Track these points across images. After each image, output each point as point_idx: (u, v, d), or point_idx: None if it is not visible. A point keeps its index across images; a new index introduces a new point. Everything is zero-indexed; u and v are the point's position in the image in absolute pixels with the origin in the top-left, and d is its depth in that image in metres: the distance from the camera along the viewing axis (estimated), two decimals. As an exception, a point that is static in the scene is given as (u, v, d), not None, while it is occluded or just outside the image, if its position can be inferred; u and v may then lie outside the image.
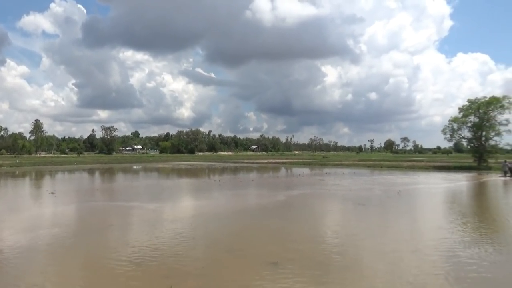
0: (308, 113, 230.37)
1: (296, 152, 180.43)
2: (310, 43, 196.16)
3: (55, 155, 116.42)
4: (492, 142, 46.69)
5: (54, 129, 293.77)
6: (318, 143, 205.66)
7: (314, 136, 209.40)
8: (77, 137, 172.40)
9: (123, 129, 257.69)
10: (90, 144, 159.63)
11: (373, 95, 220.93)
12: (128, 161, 74.86)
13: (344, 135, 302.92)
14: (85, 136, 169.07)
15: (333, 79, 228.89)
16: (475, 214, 16.04)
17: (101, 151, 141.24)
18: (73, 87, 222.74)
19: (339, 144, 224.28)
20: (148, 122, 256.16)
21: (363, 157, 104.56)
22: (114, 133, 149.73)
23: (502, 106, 44.62)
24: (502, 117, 45.16)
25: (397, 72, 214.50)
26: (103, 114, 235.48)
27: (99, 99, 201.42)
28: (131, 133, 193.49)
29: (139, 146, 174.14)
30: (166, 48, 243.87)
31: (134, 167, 58.15)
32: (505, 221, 14.42)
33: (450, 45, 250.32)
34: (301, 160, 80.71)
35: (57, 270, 8.30)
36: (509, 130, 45.27)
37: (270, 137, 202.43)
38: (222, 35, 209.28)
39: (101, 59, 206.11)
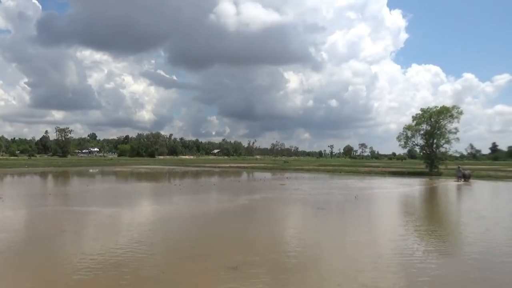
0: (270, 118, 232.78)
1: (258, 156, 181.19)
2: (273, 49, 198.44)
3: (4, 157, 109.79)
4: (442, 149, 49.34)
5: (3, 129, 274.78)
6: (279, 148, 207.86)
7: (276, 141, 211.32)
8: (28, 139, 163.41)
9: (79, 131, 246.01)
10: (43, 146, 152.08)
11: (333, 102, 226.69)
12: (84, 164, 71.99)
13: (305, 141, 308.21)
14: (37, 138, 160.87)
15: (295, 85, 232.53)
16: (427, 217, 16.86)
17: (55, 154, 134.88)
18: (26, 86, 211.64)
19: (300, 149, 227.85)
20: (107, 124, 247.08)
21: (323, 162, 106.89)
22: (70, 135, 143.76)
23: (451, 116, 47.29)
24: (451, 125, 47.87)
25: (356, 80, 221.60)
26: (58, 115, 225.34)
27: (54, 99, 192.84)
28: (88, 135, 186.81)
29: (96, 149, 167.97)
30: (127, 49, 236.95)
31: (91, 170, 56.01)
32: (454, 223, 15.26)
33: (405, 57, 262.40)
34: (263, 164, 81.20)
35: (3, 279, 7.81)
36: (457, 138, 48.12)
37: (232, 141, 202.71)
38: (185, 37, 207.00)
39: (56, 57, 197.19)
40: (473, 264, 9.01)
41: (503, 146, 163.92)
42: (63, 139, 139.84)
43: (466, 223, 14.98)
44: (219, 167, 69.48)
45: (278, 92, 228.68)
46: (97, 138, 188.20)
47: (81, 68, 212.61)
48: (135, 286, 7.30)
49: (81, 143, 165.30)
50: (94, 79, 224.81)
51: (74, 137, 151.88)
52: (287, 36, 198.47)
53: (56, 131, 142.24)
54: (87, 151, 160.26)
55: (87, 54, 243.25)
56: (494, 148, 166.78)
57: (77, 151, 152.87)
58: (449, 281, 7.83)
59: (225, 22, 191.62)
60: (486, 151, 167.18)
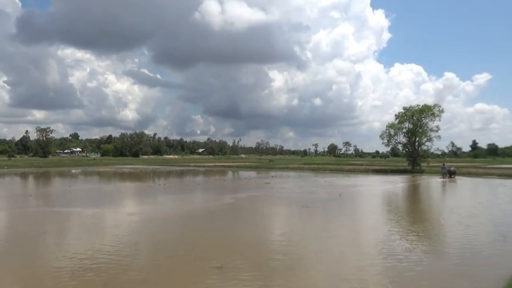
0: (255, 117, 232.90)
1: (243, 155, 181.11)
2: (258, 48, 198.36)
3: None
4: (424, 147, 50.28)
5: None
6: (264, 147, 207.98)
7: (261, 140, 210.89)
8: (8, 139, 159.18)
9: (61, 131, 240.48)
10: (23, 146, 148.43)
11: (317, 101, 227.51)
12: (66, 165, 70.65)
13: (289, 139, 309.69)
14: (17, 138, 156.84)
15: (279, 84, 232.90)
16: (409, 214, 17.16)
17: (35, 154, 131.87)
18: (5, 85, 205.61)
19: (285, 148, 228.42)
20: (89, 124, 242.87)
21: (308, 160, 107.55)
22: (51, 135, 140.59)
23: (433, 114, 48.21)
24: (433, 124, 48.80)
25: (340, 79, 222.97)
26: (39, 114, 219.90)
27: (34, 99, 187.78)
28: (70, 135, 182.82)
29: (78, 149, 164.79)
30: (110, 47, 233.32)
31: (73, 171, 55.03)
32: (436, 219, 15.57)
33: (388, 56, 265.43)
34: (248, 163, 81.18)
35: (-18, 283, 7.61)
36: (439, 136, 49.12)
37: (217, 140, 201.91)
38: (169, 36, 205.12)
39: (37, 56, 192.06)
40: (454, 260, 9.21)
41: (483, 144, 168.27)
42: (44, 139, 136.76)
43: (449, 220, 15.29)
44: (204, 166, 69.17)
45: (263, 91, 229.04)
46: (80, 138, 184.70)
47: (63, 67, 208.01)
48: (119, 287, 7.21)
49: (63, 143, 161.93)
50: (76, 78, 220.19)
51: (55, 137, 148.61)
52: (272, 35, 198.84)
53: (37, 131, 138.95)
54: (69, 151, 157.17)
55: (69, 53, 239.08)
56: (474, 145, 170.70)
57: (58, 151, 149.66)
58: (431, 276, 7.98)
59: (209, 21, 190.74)
60: (466, 148, 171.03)
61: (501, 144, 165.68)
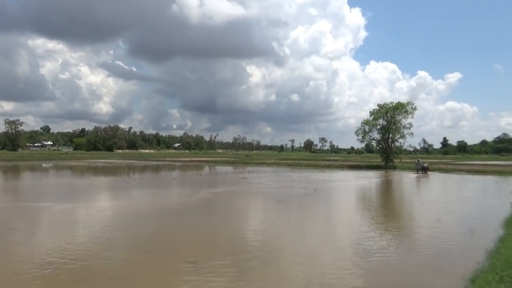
0: (233, 112, 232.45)
1: (219, 150, 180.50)
2: (236, 42, 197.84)
3: None
4: (397, 144, 51.60)
5: None
6: (241, 142, 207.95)
7: (238, 135, 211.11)
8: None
9: (31, 124, 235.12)
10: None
11: (295, 97, 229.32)
12: (36, 159, 68.50)
13: (266, 135, 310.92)
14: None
15: (257, 79, 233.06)
16: (383, 208, 17.58)
17: (4, 147, 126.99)
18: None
19: (262, 143, 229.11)
20: (61, 117, 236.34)
21: (284, 156, 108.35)
22: (20, 127, 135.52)
23: (406, 111, 49.46)
24: (406, 121, 50.16)
25: (317, 76, 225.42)
26: (7, 106, 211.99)
27: (3, 90, 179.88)
28: (41, 128, 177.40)
29: (49, 142, 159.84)
30: (84, 38, 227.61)
31: (44, 165, 53.43)
32: (408, 214, 16.02)
33: (364, 54, 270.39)
34: (225, 158, 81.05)
35: None
36: (411, 133, 50.54)
37: (194, 135, 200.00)
38: (146, 28, 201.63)
39: (6, 45, 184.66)
40: (424, 253, 9.50)
41: (452, 141, 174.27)
42: (13, 131, 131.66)
43: (420, 215, 15.75)
44: (180, 161, 68.54)
45: (240, 86, 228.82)
46: (51, 131, 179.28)
47: (34, 57, 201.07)
48: (91, 283, 7.07)
49: (33, 136, 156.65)
50: (48, 69, 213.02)
51: (25, 130, 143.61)
52: (250, 30, 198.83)
53: (6, 123, 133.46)
54: (39, 144, 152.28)
55: (40, 43, 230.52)
56: (444, 142, 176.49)
57: (28, 144, 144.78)
58: (402, 269, 8.22)
59: (187, 14, 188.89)
60: (437, 145, 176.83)
61: (470, 141, 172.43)
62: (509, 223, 12.03)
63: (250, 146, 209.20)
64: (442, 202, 19.03)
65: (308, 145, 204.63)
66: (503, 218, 13.14)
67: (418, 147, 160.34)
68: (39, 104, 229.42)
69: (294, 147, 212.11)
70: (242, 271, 7.91)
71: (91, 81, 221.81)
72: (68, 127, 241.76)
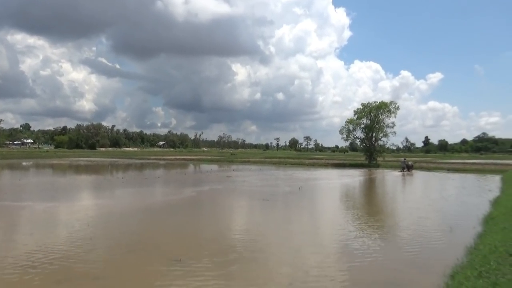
0: (218, 110, 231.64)
1: (204, 149, 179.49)
2: (221, 40, 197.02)
3: None
4: (380, 143, 52.35)
5: None
6: (226, 140, 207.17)
7: (223, 133, 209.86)
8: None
9: (10, 121, 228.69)
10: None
11: (280, 95, 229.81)
12: (16, 157, 66.94)
13: (252, 133, 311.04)
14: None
15: (242, 77, 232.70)
16: (366, 206, 17.80)
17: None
18: None
19: (247, 142, 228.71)
20: (42, 114, 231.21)
21: (269, 154, 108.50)
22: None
23: (389, 110, 50.22)
24: (389, 120, 50.95)
25: (302, 75, 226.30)
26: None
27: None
28: (21, 126, 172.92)
29: (30, 140, 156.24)
30: (65, 34, 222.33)
31: (24, 163, 52.23)
32: (390, 211, 16.26)
33: (348, 53, 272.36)
34: (210, 157, 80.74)
35: None
36: (394, 132, 51.40)
37: (179, 133, 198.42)
38: (130, 25, 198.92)
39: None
40: (406, 250, 9.67)
41: (434, 140, 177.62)
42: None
43: (402, 212, 16.01)
44: (164, 159, 67.98)
45: (225, 84, 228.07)
46: (31, 129, 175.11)
47: (13, 53, 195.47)
48: (73, 283, 6.95)
49: (13, 134, 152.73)
50: (28, 65, 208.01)
51: (4, 128, 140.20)
52: (236, 28, 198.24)
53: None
54: (19, 142, 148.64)
55: (20, 38, 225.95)
56: (426, 141, 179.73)
57: (7, 142, 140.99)
58: (384, 265, 8.34)
59: (172, 11, 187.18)
60: (419, 144, 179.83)
61: (451, 140, 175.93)
62: (488, 220, 12.32)
63: (235, 145, 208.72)
64: (423, 200, 19.40)
65: (293, 143, 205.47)
66: (482, 215, 13.45)
67: (401, 146, 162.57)
68: (18, 101, 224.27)
69: (279, 146, 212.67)
70: (227, 269, 7.89)
71: (73, 78, 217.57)
72: (49, 124, 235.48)
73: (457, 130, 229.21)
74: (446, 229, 11.80)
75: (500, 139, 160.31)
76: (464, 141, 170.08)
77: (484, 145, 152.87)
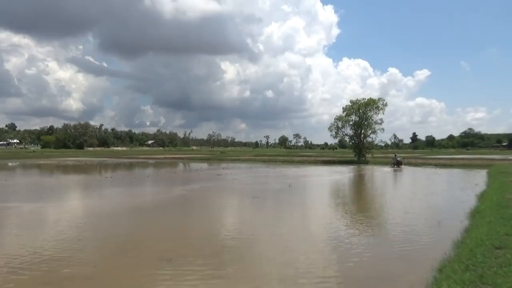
0: (207, 108, 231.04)
1: (194, 147, 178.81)
2: (210, 38, 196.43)
3: None
4: (369, 139, 52.87)
5: None
6: (216, 139, 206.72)
7: (213, 132, 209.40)
8: None
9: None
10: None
11: (269, 93, 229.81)
12: (1, 157, 65.76)
13: (241, 131, 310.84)
14: None
15: (231, 76, 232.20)
16: (356, 202, 17.94)
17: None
18: None
19: (236, 140, 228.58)
20: (28, 114, 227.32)
21: (259, 152, 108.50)
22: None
23: (377, 107, 50.65)
24: (377, 116, 51.40)
25: (291, 72, 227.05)
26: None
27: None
28: (6, 126, 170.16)
29: (16, 140, 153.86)
30: (51, 32, 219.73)
31: (10, 163, 51.38)
32: (379, 207, 16.42)
33: (336, 51, 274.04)
34: (199, 155, 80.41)
35: None
36: (382, 129, 51.93)
37: (168, 132, 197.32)
38: (117, 23, 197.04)
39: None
40: (395, 244, 9.79)
41: (422, 136, 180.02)
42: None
43: (391, 207, 16.17)
44: (153, 158, 67.55)
45: (214, 82, 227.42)
46: (17, 129, 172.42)
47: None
48: (62, 285, 6.88)
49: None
50: (13, 64, 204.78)
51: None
52: (224, 26, 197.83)
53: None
54: (5, 142, 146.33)
55: (4, 37, 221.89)
56: (414, 137, 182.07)
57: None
58: (374, 260, 8.43)
59: (160, 9, 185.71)
60: (407, 140, 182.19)
61: (438, 136, 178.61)
62: (474, 214, 12.53)
63: (225, 143, 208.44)
64: (411, 195, 19.62)
65: (283, 141, 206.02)
66: (469, 210, 13.67)
67: (389, 142, 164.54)
68: (3, 100, 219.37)
69: (269, 143, 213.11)
70: (217, 267, 7.89)
71: (60, 77, 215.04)
72: (36, 124, 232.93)
73: (444, 126, 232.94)
74: (434, 224, 11.97)
75: (486, 134, 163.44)
76: (451, 137, 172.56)
77: (470, 141, 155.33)
